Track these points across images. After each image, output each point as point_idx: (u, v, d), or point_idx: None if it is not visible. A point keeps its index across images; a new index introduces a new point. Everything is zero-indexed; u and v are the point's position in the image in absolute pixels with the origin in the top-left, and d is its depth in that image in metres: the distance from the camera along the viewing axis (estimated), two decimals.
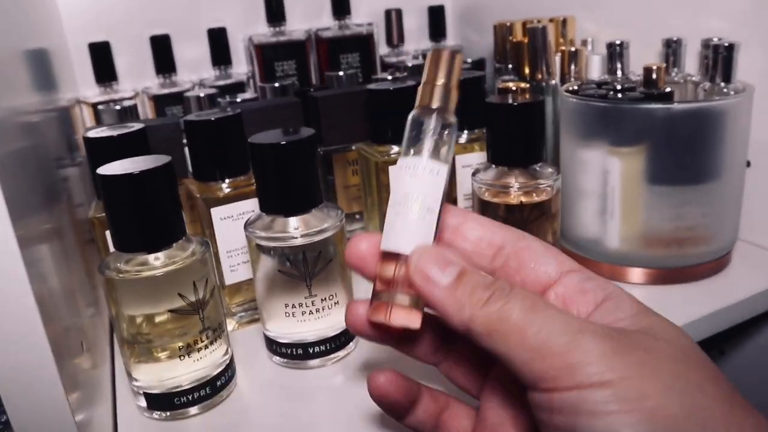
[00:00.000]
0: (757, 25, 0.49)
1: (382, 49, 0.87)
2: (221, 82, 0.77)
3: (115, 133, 0.43)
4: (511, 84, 0.52)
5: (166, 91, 0.75)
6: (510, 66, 0.65)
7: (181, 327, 0.37)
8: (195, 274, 0.36)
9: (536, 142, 0.45)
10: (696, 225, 0.46)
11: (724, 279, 0.48)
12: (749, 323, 0.50)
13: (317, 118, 0.57)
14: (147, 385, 0.37)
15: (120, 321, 0.36)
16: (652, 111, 0.44)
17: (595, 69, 0.62)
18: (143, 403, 0.38)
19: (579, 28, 0.65)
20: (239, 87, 0.78)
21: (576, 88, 0.51)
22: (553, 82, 0.59)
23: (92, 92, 0.75)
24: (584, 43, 0.65)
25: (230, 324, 0.47)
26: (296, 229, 0.40)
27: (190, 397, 0.38)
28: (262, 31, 0.81)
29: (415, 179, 0.25)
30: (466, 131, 0.55)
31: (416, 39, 0.91)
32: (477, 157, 0.54)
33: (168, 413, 0.38)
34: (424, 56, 0.42)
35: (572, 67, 0.61)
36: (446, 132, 0.26)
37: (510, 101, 0.44)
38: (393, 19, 0.86)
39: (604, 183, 0.47)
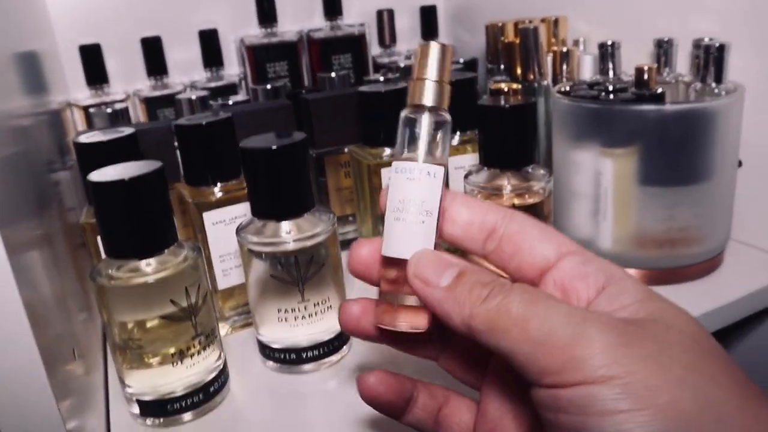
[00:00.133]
0: (748, 25, 0.49)
1: (374, 49, 0.87)
2: (213, 84, 0.76)
3: (105, 137, 0.43)
4: (503, 85, 0.52)
5: (157, 93, 0.75)
6: (502, 66, 0.65)
7: (173, 333, 0.36)
8: (187, 280, 0.36)
9: (528, 144, 0.44)
10: (688, 225, 0.46)
11: (716, 279, 0.49)
12: (742, 323, 0.50)
13: (309, 121, 0.57)
14: (140, 391, 0.37)
15: (112, 327, 0.36)
16: (644, 112, 0.44)
17: (586, 69, 0.62)
18: (136, 409, 0.38)
19: (571, 28, 0.65)
20: (231, 89, 0.77)
21: (568, 88, 0.51)
22: (545, 82, 0.59)
23: (83, 95, 0.75)
24: (576, 43, 0.65)
25: (223, 328, 0.47)
26: (288, 233, 0.40)
27: (183, 404, 0.37)
28: (254, 32, 0.80)
29: (412, 183, 0.25)
30: (458, 133, 0.55)
31: (408, 39, 0.91)
32: (469, 159, 0.54)
33: (161, 420, 0.38)
34: None
35: (564, 67, 0.61)
36: (440, 130, 0.25)
37: (502, 103, 0.44)
38: (385, 20, 0.86)
39: (596, 184, 0.47)
